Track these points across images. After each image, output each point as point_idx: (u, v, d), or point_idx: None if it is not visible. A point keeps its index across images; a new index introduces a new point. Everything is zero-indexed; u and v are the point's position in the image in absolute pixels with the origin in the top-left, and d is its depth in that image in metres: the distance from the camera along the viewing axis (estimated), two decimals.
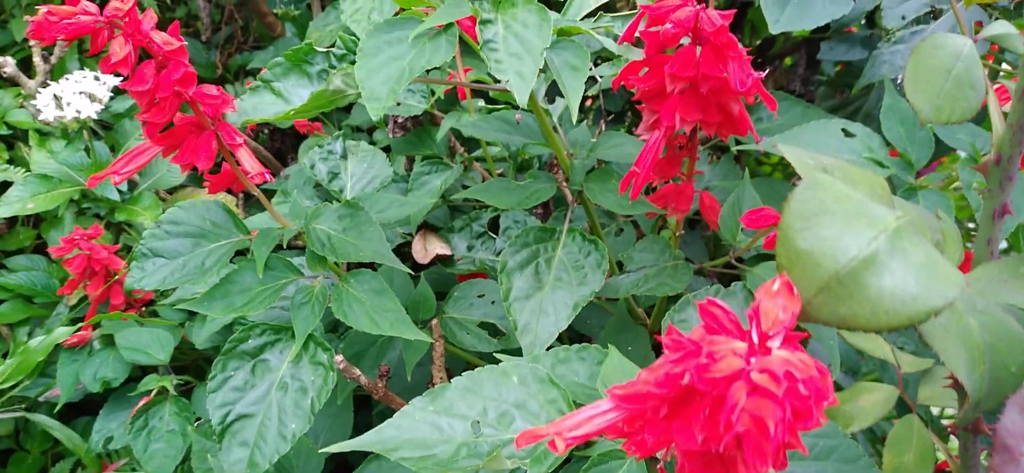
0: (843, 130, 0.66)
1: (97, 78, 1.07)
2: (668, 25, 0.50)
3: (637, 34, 0.57)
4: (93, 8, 0.54)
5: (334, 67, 0.64)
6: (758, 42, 1.07)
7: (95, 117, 1.05)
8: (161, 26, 0.56)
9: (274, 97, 0.63)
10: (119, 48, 0.53)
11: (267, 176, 0.60)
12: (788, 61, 1.12)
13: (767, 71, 0.56)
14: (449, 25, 0.58)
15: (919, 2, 0.71)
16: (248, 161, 0.60)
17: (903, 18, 0.70)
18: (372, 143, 1.12)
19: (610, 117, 0.95)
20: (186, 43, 0.56)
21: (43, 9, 0.54)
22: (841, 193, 0.31)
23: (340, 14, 1.05)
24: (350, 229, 0.68)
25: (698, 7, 0.52)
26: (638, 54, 0.58)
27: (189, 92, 0.56)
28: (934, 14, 0.70)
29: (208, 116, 0.60)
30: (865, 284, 0.29)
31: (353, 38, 0.63)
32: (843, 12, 0.66)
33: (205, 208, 0.68)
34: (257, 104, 0.63)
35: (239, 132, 0.60)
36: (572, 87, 0.56)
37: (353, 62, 0.63)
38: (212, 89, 0.58)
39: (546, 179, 0.70)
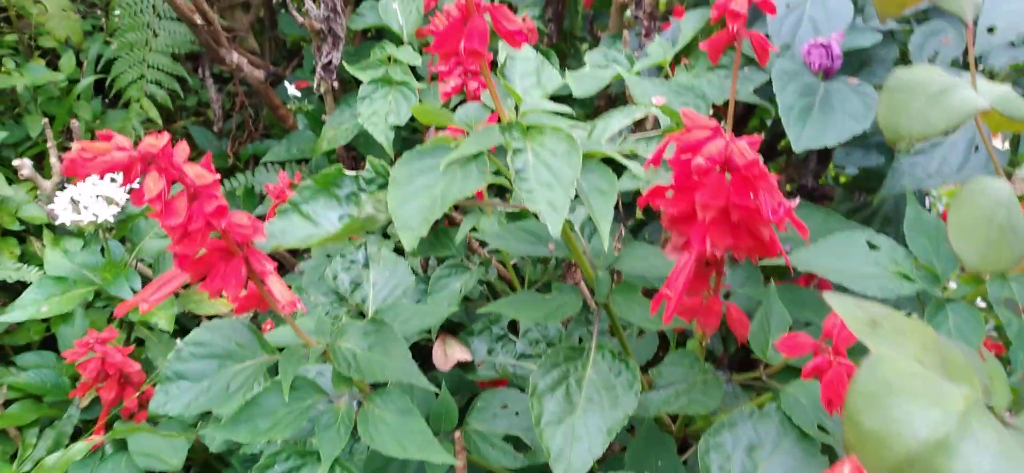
0: (868, 242, 0.66)
1: (114, 180, 1.08)
2: (700, 160, 0.51)
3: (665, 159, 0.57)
4: (126, 143, 0.55)
5: (363, 190, 0.64)
6: (767, 132, 1.08)
7: (112, 219, 1.05)
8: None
9: (303, 220, 0.63)
10: (153, 184, 0.53)
11: (298, 304, 0.60)
12: None
13: (796, 199, 0.56)
14: (479, 152, 0.58)
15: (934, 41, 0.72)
16: (278, 288, 0.60)
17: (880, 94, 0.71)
18: (386, 236, 1.12)
19: (629, 222, 0.96)
20: (217, 177, 0.56)
21: (77, 146, 0.54)
22: (905, 369, 0.31)
23: (357, 117, 1.06)
24: (376, 346, 0.68)
25: (727, 137, 0.53)
26: (664, 177, 0.59)
27: (222, 224, 0.56)
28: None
29: (237, 242, 0.60)
30: (937, 468, 0.29)
31: (382, 163, 0.63)
32: (863, 127, 0.67)
33: (231, 328, 0.68)
34: (286, 228, 0.63)
35: (268, 258, 0.60)
36: (601, 212, 0.57)
37: (382, 186, 0.64)
38: (243, 217, 0.58)
39: (570, 291, 0.70)
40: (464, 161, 0.58)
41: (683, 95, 0.78)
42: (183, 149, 0.56)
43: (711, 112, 0.78)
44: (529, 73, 0.67)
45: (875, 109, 0.68)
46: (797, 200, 0.54)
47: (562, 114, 0.62)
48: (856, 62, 0.77)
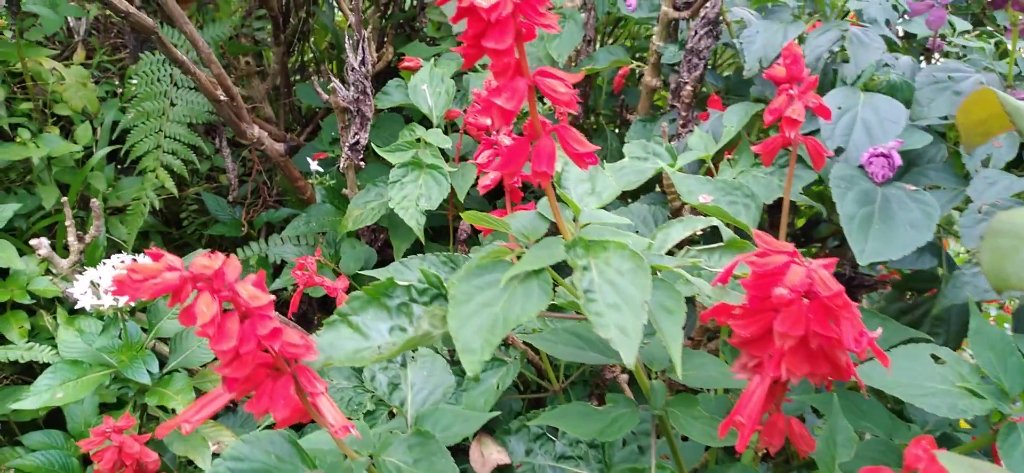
0: (932, 355, 0.64)
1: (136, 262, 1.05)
2: (784, 291, 0.49)
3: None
4: (177, 263, 0.53)
5: (415, 300, 0.62)
6: (803, 222, 1.07)
7: (132, 304, 1.02)
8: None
9: (352, 332, 0.61)
10: (206, 308, 0.51)
11: (351, 428, 0.57)
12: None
13: (879, 328, 0.54)
14: (541, 269, 0.56)
15: (1006, 183, 0.70)
16: (330, 410, 0.57)
17: (982, 238, 0.70)
18: None
19: None
20: (271, 298, 0.53)
21: (127, 266, 0.52)
22: None
23: (386, 198, 1.05)
24: (421, 461, 0.65)
25: (808, 265, 0.51)
26: (734, 296, 0.57)
27: (276, 347, 0.53)
28: None
29: (286, 359, 0.57)
30: None
31: (435, 275, 0.61)
32: (927, 238, 0.65)
33: (270, 442, 0.65)
34: (334, 341, 0.60)
35: (319, 378, 0.58)
36: (671, 333, 0.54)
37: (435, 298, 0.61)
38: (295, 336, 0.56)
39: (626, 405, 0.67)
40: (525, 277, 0.56)
41: (730, 194, 0.77)
42: (235, 267, 0.54)
43: (762, 212, 0.76)
44: (584, 180, 0.66)
45: (935, 218, 0.67)
46: (879, 330, 0.52)
47: (622, 226, 0.61)
48: (905, 161, 0.76)
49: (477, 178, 0.98)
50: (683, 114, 0.95)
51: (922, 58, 0.97)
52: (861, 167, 0.70)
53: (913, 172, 0.77)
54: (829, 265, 0.53)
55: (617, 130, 1.27)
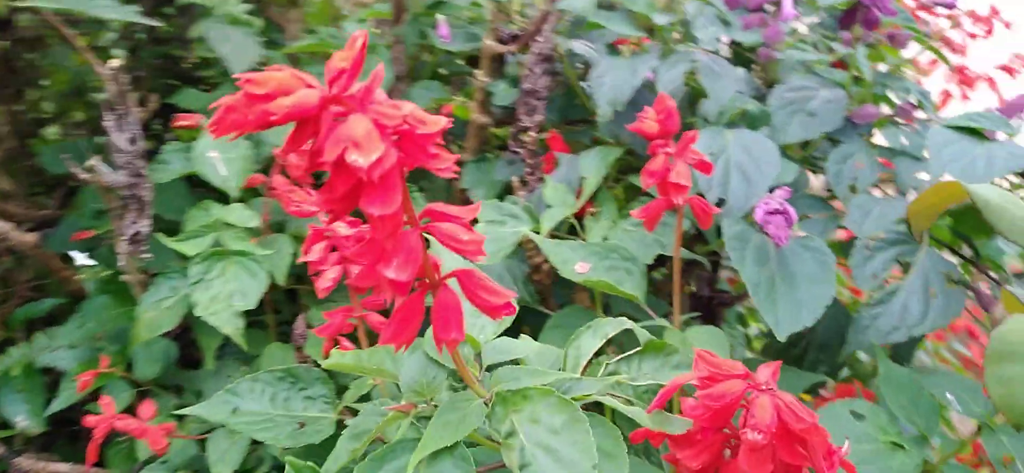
0: (851, 413, 0.61)
1: None
2: (756, 436, 0.41)
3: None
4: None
5: None
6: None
7: None
8: None
9: None
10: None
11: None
12: None
13: (846, 446, 0.48)
14: (455, 445, 0.44)
15: (885, 258, 0.69)
16: None
17: (874, 277, 0.68)
18: None
19: None
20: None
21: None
22: None
23: (193, 306, 0.86)
24: None
25: (770, 391, 0.44)
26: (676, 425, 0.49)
27: None
28: (904, 267, 0.69)
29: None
30: None
31: (308, 465, 0.47)
32: (832, 292, 0.61)
33: None
34: None
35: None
36: None
37: None
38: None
39: None
40: (432, 459, 0.44)
41: (607, 258, 0.69)
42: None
43: (644, 273, 0.69)
44: None
45: (831, 266, 0.63)
46: (847, 444, 0.46)
47: (531, 353, 0.50)
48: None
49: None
50: (529, 162, 0.86)
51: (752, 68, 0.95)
52: (755, 223, 0.65)
53: None
54: (776, 373, 0.47)
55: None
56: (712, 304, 0.99)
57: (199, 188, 1.06)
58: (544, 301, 0.86)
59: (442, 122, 0.37)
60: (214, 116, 0.36)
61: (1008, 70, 1.38)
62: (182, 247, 0.90)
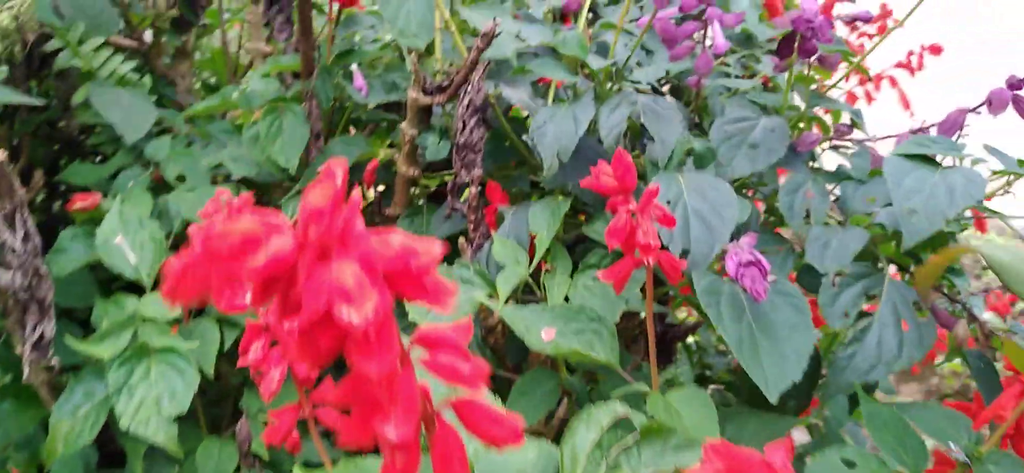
0: (843, 461, 0.60)
1: None
2: None
3: None
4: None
5: None
6: None
7: None
8: None
9: None
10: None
11: None
12: None
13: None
14: None
15: (853, 293, 0.68)
16: None
17: (845, 314, 0.67)
18: None
19: None
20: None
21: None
22: None
23: (117, 415, 0.78)
24: None
25: None
26: None
27: None
28: (870, 296, 0.68)
29: None
30: None
31: None
32: (811, 339, 0.60)
33: None
34: None
35: None
36: None
37: None
38: None
39: None
40: None
41: (574, 321, 0.66)
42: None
43: (614, 334, 0.66)
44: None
45: (806, 310, 0.62)
46: None
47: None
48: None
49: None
50: (471, 218, 0.82)
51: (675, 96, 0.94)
52: (721, 272, 0.63)
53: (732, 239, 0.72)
54: (790, 450, 0.44)
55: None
56: (666, 338, 0.97)
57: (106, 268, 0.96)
58: (501, 362, 0.82)
59: (436, 250, 0.33)
60: (167, 283, 0.30)
61: (907, 67, 1.44)
62: (96, 350, 0.81)
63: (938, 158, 0.68)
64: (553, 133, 0.74)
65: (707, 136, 0.81)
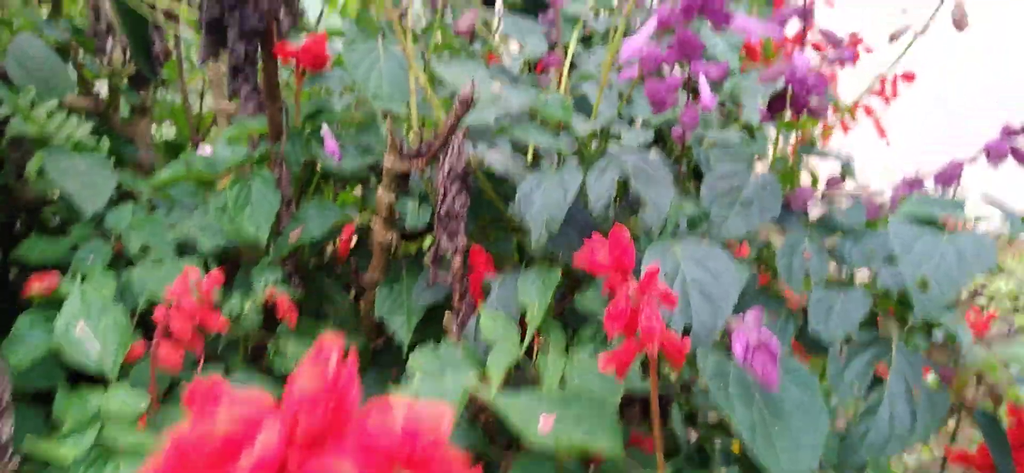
0: None
1: None
2: None
3: None
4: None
5: None
6: None
7: None
8: None
9: None
10: None
11: None
12: None
13: None
14: None
15: (861, 363, 0.65)
16: None
17: (854, 386, 0.64)
18: None
19: None
20: None
21: None
22: None
23: None
24: None
25: None
26: None
27: None
28: (879, 378, 0.66)
29: None
30: None
31: None
32: (825, 421, 0.57)
33: None
34: None
35: None
36: None
37: None
38: None
39: None
40: None
41: (572, 407, 0.62)
42: None
43: (616, 420, 0.62)
44: None
45: (815, 387, 0.59)
46: None
47: None
48: None
49: None
50: (457, 289, 0.78)
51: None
52: (725, 348, 0.60)
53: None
54: None
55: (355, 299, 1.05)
56: (661, 401, 0.94)
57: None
58: (492, 441, 0.78)
59: (445, 421, 0.29)
60: None
61: (881, 95, 1.43)
62: (59, 454, 0.75)
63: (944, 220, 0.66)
64: (540, 203, 0.71)
65: (694, 186, 0.78)
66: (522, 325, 0.75)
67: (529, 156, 0.92)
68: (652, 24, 0.66)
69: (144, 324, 0.97)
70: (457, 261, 0.78)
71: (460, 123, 0.76)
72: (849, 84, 1.55)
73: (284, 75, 1.17)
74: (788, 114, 0.74)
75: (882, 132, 1.44)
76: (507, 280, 0.78)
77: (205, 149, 1.39)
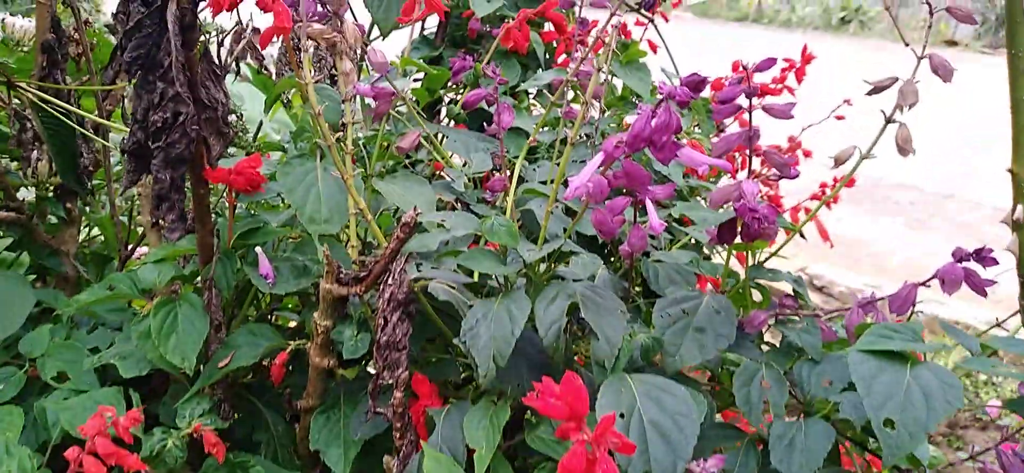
0: None
1: None
2: None
3: None
4: None
5: None
6: None
7: None
8: None
9: None
10: None
11: None
12: None
13: None
14: None
15: None
16: None
17: None
18: None
19: None
20: None
21: None
22: None
23: None
24: None
25: None
26: None
27: None
28: None
29: None
30: None
31: None
32: None
33: None
34: None
35: None
36: None
37: None
38: None
39: None
40: None
41: None
42: None
43: None
44: None
45: None
46: None
47: None
48: None
49: None
50: (397, 425, 0.73)
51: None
52: None
53: None
54: None
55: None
56: None
57: None
58: None
59: None
60: None
61: (822, 199, 1.45)
62: None
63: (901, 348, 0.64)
64: (487, 335, 0.67)
65: (645, 303, 0.75)
66: (470, 459, 0.70)
67: (476, 274, 0.89)
68: (598, 159, 0.65)
69: (55, 463, 0.89)
70: (398, 395, 0.73)
71: (402, 249, 0.73)
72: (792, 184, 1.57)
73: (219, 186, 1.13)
74: (738, 239, 0.72)
75: (825, 235, 1.46)
76: (453, 414, 0.73)
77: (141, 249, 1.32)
